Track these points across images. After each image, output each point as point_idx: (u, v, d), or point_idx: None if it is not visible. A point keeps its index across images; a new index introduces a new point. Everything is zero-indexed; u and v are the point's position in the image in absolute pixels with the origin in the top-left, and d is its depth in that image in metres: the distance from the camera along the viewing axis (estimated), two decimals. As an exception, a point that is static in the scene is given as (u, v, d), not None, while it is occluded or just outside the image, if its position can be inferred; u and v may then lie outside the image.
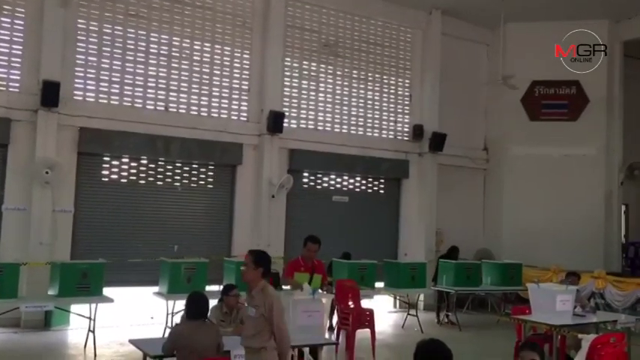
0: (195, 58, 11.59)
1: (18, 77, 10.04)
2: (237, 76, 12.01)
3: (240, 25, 12.03)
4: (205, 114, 11.67)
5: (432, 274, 12.08)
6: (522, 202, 14.24)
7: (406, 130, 14.05)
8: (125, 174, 10.96)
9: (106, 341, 8.60)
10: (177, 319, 8.47)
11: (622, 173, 14.38)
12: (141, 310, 10.30)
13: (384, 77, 13.84)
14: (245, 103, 12.05)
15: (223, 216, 11.82)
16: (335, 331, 9.36)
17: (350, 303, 9.31)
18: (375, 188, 13.83)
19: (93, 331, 8.26)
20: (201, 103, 11.63)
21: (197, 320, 5.32)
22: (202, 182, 11.71)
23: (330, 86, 13.11)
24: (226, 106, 11.89)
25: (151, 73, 11.15)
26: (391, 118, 13.91)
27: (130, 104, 10.96)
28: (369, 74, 13.62)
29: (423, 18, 13.93)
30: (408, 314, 11.28)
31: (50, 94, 9.70)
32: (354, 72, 13.41)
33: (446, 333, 10.42)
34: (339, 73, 13.21)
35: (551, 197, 14.00)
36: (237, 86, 12.00)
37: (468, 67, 14.91)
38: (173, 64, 11.37)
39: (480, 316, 12.67)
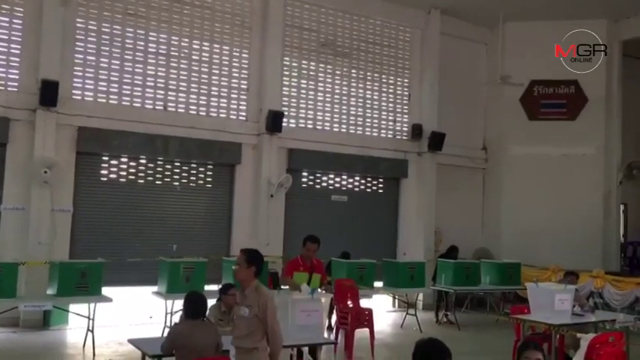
0: (194, 57, 11.58)
1: (17, 76, 10.02)
2: (236, 75, 12.01)
3: (239, 25, 12.03)
4: (204, 113, 11.67)
5: (432, 273, 12.09)
6: (521, 201, 14.25)
7: (405, 129, 14.05)
8: (124, 173, 10.95)
9: (105, 341, 8.59)
10: (176, 318, 8.47)
11: (621, 173, 14.40)
12: (140, 310, 10.30)
13: (383, 77, 13.84)
14: (244, 103, 12.04)
15: (222, 215, 11.81)
16: (334, 331, 9.37)
17: (349, 302, 9.31)
18: (374, 188, 13.83)
19: (92, 331, 8.25)
20: (200, 102, 11.62)
21: (196, 320, 5.32)
22: (201, 182, 11.70)
23: (329, 86, 13.10)
24: (225, 105, 11.89)
25: (149, 72, 11.14)
26: (390, 118, 13.91)
27: (128, 104, 10.96)
28: (368, 74, 13.62)
29: (422, 17, 13.93)
30: (407, 314, 11.28)
31: (49, 94, 9.69)
32: (353, 71, 13.41)
33: (445, 332, 10.44)
34: (338, 72, 13.21)
35: (550, 197, 14.00)
36: (236, 86, 12.00)
37: (467, 66, 14.91)
38: (172, 64, 11.36)
39: (478, 315, 12.67)
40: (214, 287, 8.84)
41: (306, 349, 6.21)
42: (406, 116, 14.08)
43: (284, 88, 12.44)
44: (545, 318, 7.61)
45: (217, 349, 5.20)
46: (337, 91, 13.20)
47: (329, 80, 13.10)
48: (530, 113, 14.59)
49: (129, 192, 10.94)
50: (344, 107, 13.27)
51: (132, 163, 11.02)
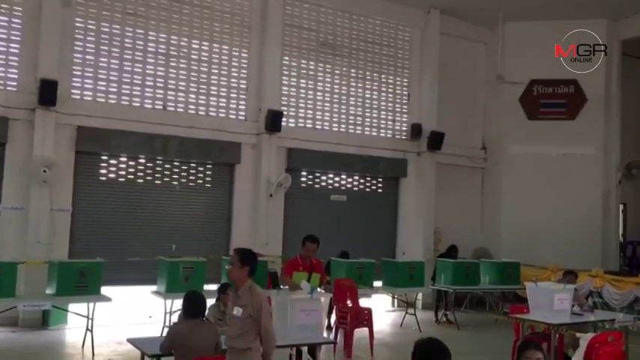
0: (193, 56, 11.58)
1: (15, 76, 10.02)
2: (236, 74, 12.00)
3: (238, 24, 12.02)
4: (203, 113, 11.66)
5: (431, 273, 12.10)
6: (520, 201, 14.25)
7: (404, 129, 14.05)
8: (123, 173, 10.94)
9: (104, 340, 8.59)
10: (175, 318, 8.47)
11: (620, 172, 14.40)
12: (139, 309, 10.29)
13: (383, 76, 13.84)
14: (243, 102, 12.04)
15: (221, 215, 11.81)
16: (333, 330, 9.37)
17: (348, 302, 9.32)
18: (373, 187, 13.82)
19: (91, 330, 8.24)
20: (199, 102, 11.62)
21: (195, 319, 5.31)
22: (200, 181, 11.70)
23: (329, 85, 13.10)
24: (224, 105, 11.88)
25: (148, 71, 11.14)
26: (389, 117, 13.91)
27: (127, 103, 10.95)
28: (368, 73, 13.61)
29: (422, 17, 13.92)
30: (406, 313, 11.28)
31: (48, 93, 9.68)
32: (353, 71, 13.41)
33: (444, 332, 10.44)
34: (337, 72, 13.21)
35: (550, 196, 14.00)
36: (236, 85, 11.99)
37: (467, 66, 14.91)
38: (171, 63, 11.36)
39: (478, 315, 12.69)
40: (213, 287, 8.84)
41: (305, 349, 6.20)
42: (405, 116, 14.07)
43: (283, 88, 12.43)
44: (544, 317, 7.62)
45: (216, 349, 5.20)
46: (336, 90, 13.19)
47: (328, 80, 13.10)
48: (529, 113, 14.59)
49: (128, 191, 10.93)
50: (343, 107, 13.26)
51: (131, 163, 11.01)
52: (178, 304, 7.88)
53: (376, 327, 9.29)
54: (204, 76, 11.68)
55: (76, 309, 8.72)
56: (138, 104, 11.05)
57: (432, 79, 13.92)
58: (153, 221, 11.08)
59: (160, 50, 11.26)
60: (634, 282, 11.41)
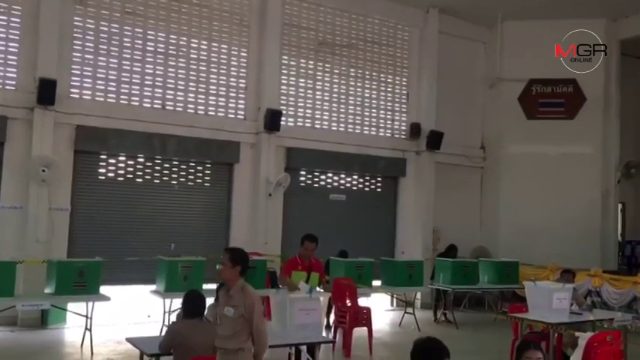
0: (192, 55, 11.57)
1: (14, 75, 10.01)
2: (234, 74, 12.00)
3: (237, 23, 12.02)
4: (202, 112, 11.66)
5: (430, 272, 12.10)
6: (519, 200, 14.26)
7: (403, 128, 14.05)
8: (122, 172, 10.94)
9: (103, 339, 8.58)
10: (174, 317, 8.46)
11: (619, 172, 14.41)
12: (138, 309, 10.29)
13: (382, 75, 13.84)
14: (242, 101, 12.03)
15: (220, 214, 11.81)
16: (332, 330, 9.37)
17: (347, 301, 9.32)
18: (373, 187, 13.82)
19: (90, 330, 8.24)
20: (198, 101, 11.61)
21: (194, 319, 5.31)
22: (199, 180, 11.69)
23: (328, 84, 13.10)
24: (223, 104, 11.88)
25: (147, 71, 11.13)
26: (388, 117, 13.91)
27: (126, 102, 10.94)
28: (367, 73, 13.61)
29: (421, 16, 13.92)
30: (405, 312, 11.28)
31: (47, 92, 9.68)
32: (352, 70, 13.40)
33: (443, 331, 10.45)
34: (336, 71, 13.20)
35: (548, 196, 14.01)
36: (235, 84, 11.99)
37: (466, 65, 14.91)
38: (170, 62, 11.35)
39: (476, 314, 12.69)
40: (212, 286, 8.83)
41: (304, 348, 6.20)
42: (404, 115, 14.08)
43: (282, 87, 12.43)
44: (543, 317, 7.62)
45: (215, 349, 5.19)
46: (335, 90, 13.19)
47: (327, 79, 13.10)
48: (528, 112, 14.60)
49: (127, 191, 10.93)
50: (342, 106, 13.26)
51: (130, 162, 11.01)
52: (177, 303, 7.89)
53: (375, 326, 9.29)
54: (203, 75, 11.67)
55: (75, 308, 8.73)
56: (137, 103, 11.04)
57: (431, 79, 13.92)
58: (152, 220, 11.07)
59: (158, 49, 11.25)
60: (632, 281, 11.42)
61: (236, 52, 12.00)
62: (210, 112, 11.72)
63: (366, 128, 13.59)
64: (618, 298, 11.39)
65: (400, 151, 13.84)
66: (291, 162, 12.34)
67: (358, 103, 13.49)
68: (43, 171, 9.56)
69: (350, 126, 13.39)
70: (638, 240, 16.28)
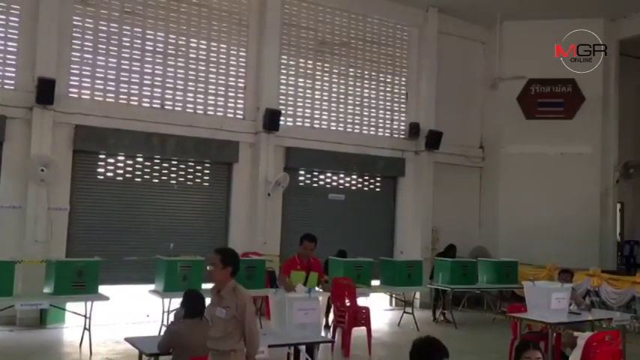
0: (191, 55, 11.57)
1: (13, 74, 10.00)
2: (234, 73, 12.00)
3: (236, 23, 12.01)
4: (201, 112, 11.65)
5: (429, 272, 12.11)
6: (518, 200, 14.26)
7: (402, 128, 14.06)
8: (121, 172, 10.93)
9: (102, 339, 8.58)
10: (172, 317, 8.45)
11: (617, 172, 14.40)
12: (137, 308, 10.29)
13: (381, 75, 13.84)
14: (241, 101, 12.03)
15: (219, 214, 11.80)
16: (331, 329, 9.37)
17: (346, 301, 9.32)
18: (372, 186, 13.83)
19: (88, 329, 8.24)
20: (197, 100, 11.61)
21: (193, 318, 5.31)
22: (198, 180, 11.69)
23: (327, 84, 13.10)
24: (222, 103, 11.87)
25: (146, 70, 11.13)
26: (387, 116, 13.91)
27: (125, 102, 10.94)
28: (366, 72, 13.61)
29: (420, 16, 13.92)
30: (404, 312, 11.28)
31: (45, 92, 9.67)
32: (351, 70, 13.40)
33: (442, 331, 10.45)
34: (335, 71, 13.21)
35: (547, 195, 14.02)
36: (234, 84, 11.98)
37: (465, 65, 14.92)
38: (169, 62, 11.35)
39: (475, 313, 12.70)
40: (211, 286, 8.82)
41: (303, 348, 6.20)
42: (403, 115, 14.08)
43: (281, 87, 12.43)
44: (542, 316, 7.63)
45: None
46: (335, 89, 13.19)
47: (326, 79, 13.10)
48: (527, 112, 14.60)
49: (126, 190, 10.92)
50: (341, 106, 13.26)
51: (129, 162, 11.00)
52: (176, 303, 7.88)
53: (374, 326, 9.29)
54: (202, 74, 11.67)
55: (74, 308, 8.73)
56: (136, 103, 11.04)
57: (430, 79, 13.93)
58: (151, 220, 11.07)
59: (157, 49, 11.25)
60: (631, 281, 11.42)
61: (235, 52, 12.00)
62: (209, 112, 11.72)
63: (365, 128, 13.59)
64: (617, 297, 11.39)
65: (399, 151, 13.84)
66: (290, 162, 12.34)
67: (357, 102, 13.49)
68: (42, 170, 9.55)
69: (349, 126, 13.39)
70: (636, 240, 16.31)
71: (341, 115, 13.26)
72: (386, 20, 13.82)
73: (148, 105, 11.13)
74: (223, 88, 11.88)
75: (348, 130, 13.36)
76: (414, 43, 14.10)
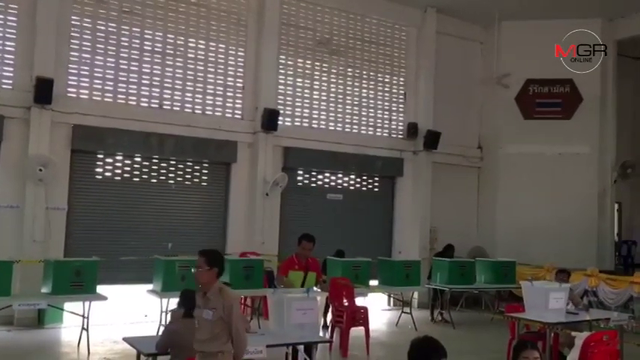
0: (189, 55, 11.56)
1: (11, 74, 9.99)
2: (232, 73, 11.99)
3: (234, 23, 12.01)
4: (200, 111, 11.65)
5: (427, 272, 12.12)
6: (516, 200, 14.28)
7: (401, 128, 14.06)
8: (119, 171, 10.93)
9: (100, 339, 8.57)
10: (170, 316, 8.45)
11: (615, 172, 14.42)
12: (135, 308, 10.27)
13: (379, 75, 13.85)
14: (239, 101, 12.03)
15: (217, 214, 11.80)
16: (329, 329, 9.37)
17: (344, 301, 9.32)
18: (370, 186, 13.84)
19: (86, 329, 8.23)
20: (196, 100, 11.60)
21: (191, 318, 5.30)
22: (197, 180, 11.69)
23: (325, 84, 13.10)
24: (221, 103, 11.87)
25: (145, 70, 11.12)
26: (386, 116, 13.92)
27: (124, 101, 10.93)
28: (364, 72, 13.61)
29: (418, 16, 13.93)
30: (402, 312, 11.29)
31: (43, 91, 9.66)
32: (349, 70, 13.40)
33: (440, 331, 10.47)
34: (333, 71, 13.21)
35: (545, 195, 14.03)
36: (232, 84, 11.98)
37: (463, 65, 14.93)
38: (167, 62, 11.34)
39: (473, 313, 12.71)
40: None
41: (301, 348, 6.20)
42: (402, 115, 14.09)
43: (280, 87, 12.43)
44: (539, 316, 7.64)
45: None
46: (333, 89, 13.19)
47: (325, 79, 13.10)
48: (525, 112, 14.62)
49: (124, 190, 10.91)
50: (340, 106, 13.26)
51: (127, 162, 11.00)
52: (174, 303, 7.87)
53: (372, 326, 9.30)
54: (201, 74, 11.66)
55: (72, 308, 8.71)
56: (134, 103, 11.03)
57: (429, 79, 13.94)
58: (149, 220, 11.07)
59: (156, 49, 11.24)
60: (629, 281, 11.45)
61: (234, 52, 11.99)
62: (207, 112, 11.72)
63: (363, 128, 13.60)
64: (614, 297, 11.41)
65: (397, 151, 13.85)
66: (288, 161, 12.34)
67: (356, 102, 13.49)
68: (40, 170, 9.54)
69: (347, 126, 13.39)
70: (634, 240, 16.34)
71: (339, 115, 13.26)
72: (384, 20, 13.82)
73: (146, 105, 11.13)
74: (222, 88, 11.88)
75: (347, 130, 13.36)
76: (413, 43, 14.11)
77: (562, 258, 11.98)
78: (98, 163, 10.78)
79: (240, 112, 12.03)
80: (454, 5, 13.75)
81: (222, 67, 11.89)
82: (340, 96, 13.27)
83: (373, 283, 11.04)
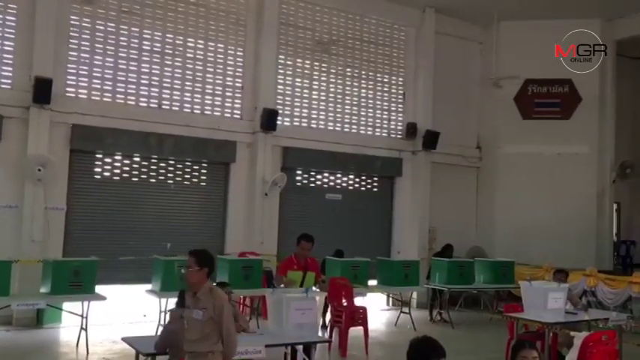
0: (188, 55, 11.56)
1: (10, 74, 9.97)
2: (231, 73, 11.99)
3: (233, 23, 12.01)
4: (199, 111, 11.64)
5: (426, 272, 12.12)
6: (515, 200, 14.29)
7: (399, 128, 14.07)
8: (118, 171, 10.92)
9: (99, 339, 8.57)
10: (169, 316, 8.45)
11: (614, 172, 14.44)
12: (133, 308, 10.27)
13: (378, 75, 13.85)
14: (238, 101, 12.02)
15: (216, 214, 11.80)
16: (328, 329, 9.38)
17: (343, 301, 9.32)
18: (369, 186, 13.84)
19: (85, 329, 8.23)
20: (195, 100, 11.60)
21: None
22: (195, 180, 11.69)
23: (324, 84, 13.10)
24: (220, 103, 11.87)
25: (144, 70, 11.11)
26: (385, 116, 13.92)
27: (122, 101, 10.92)
28: (363, 72, 13.62)
29: (417, 16, 13.93)
30: (401, 312, 11.30)
31: (42, 91, 9.65)
32: (348, 70, 13.41)
33: (438, 331, 10.47)
34: (332, 71, 13.21)
35: (544, 195, 14.04)
36: (231, 84, 11.98)
37: (462, 65, 14.93)
38: (166, 61, 11.33)
39: (472, 313, 12.71)
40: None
41: (300, 348, 6.20)
42: (401, 115, 14.09)
43: (279, 87, 12.42)
44: (538, 316, 7.64)
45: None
46: (332, 89, 13.19)
47: (324, 79, 13.10)
48: (524, 112, 14.62)
49: (123, 190, 10.90)
50: (339, 106, 13.27)
51: (126, 161, 10.99)
52: (173, 303, 7.86)
53: (371, 326, 9.30)
54: (200, 74, 11.66)
55: (71, 308, 8.70)
56: (133, 102, 11.02)
57: (427, 79, 13.94)
58: (148, 220, 11.06)
59: (155, 48, 11.23)
60: (627, 281, 11.46)
61: (233, 52, 11.99)
62: (206, 112, 11.71)
63: (362, 128, 13.60)
64: (613, 297, 11.42)
65: (396, 151, 13.85)
66: (287, 161, 12.34)
67: (354, 102, 13.49)
68: (39, 170, 9.53)
69: (346, 126, 13.39)
70: (632, 240, 16.35)
71: (338, 115, 13.26)
72: (383, 20, 13.83)
73: (145, 105, 11.12)
74: (221, 88, 11.88)
75: (346, 130, 13.36)
76: (411, 43, 14.11)
77: (561, 258, 11.98)
78: (97, 163, 10.77)
79: (239, 112, 12.02)
80: (453, 5, 13.75)
81: (221, 67, 11.88)
82: (339, 96, 13.27)
83: (372, 283, 11.04)
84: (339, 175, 13.32)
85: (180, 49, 11.48)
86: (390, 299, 13.10)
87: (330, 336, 8.87)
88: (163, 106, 11.29)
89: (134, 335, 6.13)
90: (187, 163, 11.55)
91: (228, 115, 11.95)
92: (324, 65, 13.09)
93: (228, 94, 11.95)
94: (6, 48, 9.97)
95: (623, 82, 15.27)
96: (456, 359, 4.15)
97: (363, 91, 13.64)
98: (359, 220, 13.28)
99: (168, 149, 11.12)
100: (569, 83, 14.29)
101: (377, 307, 12.59)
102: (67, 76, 10.39)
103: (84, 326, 8.25)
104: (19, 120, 9.82)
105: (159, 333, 6.17)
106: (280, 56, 12.42)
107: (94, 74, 10.65)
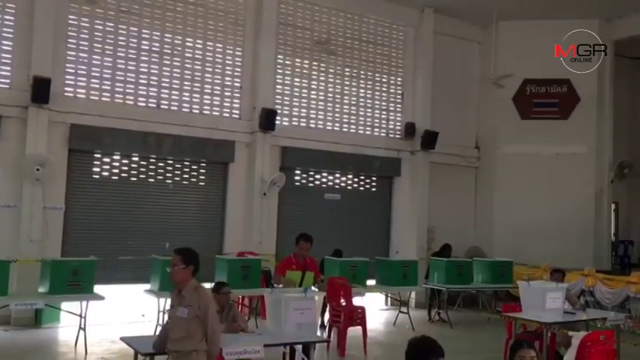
0: (187, 54, 11.55)
1: (8, 73, 9.97)
2: (230, 73, 11.99)
3: (232, 22, 12.00)
4: (197, 111, 11.64)
5: (424, 271, 12.13)
6: (513, 200, 14.30)
7: (398, 128, 14.08)
8: (116, 171, 10.92)
9: (97, 339, 8.57)
10: (167, 316, 8.44)
11: (612, 172, 14.45)
12: (132, 308, 10.27)
13: (377, 75, 13.86)
14: (237, 101, 12.02)
15: (215, 213, 11.80)
16: (327, 329, 9.38)
17: (342, 301, 9.33)
18: (367, 186, 13.85)
19: (84, 329, 8.22)
20: (193, 100, 11.60)
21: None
22: (194, 180, 11.68)
23: (323, 84, 13.10)
24: (218, 103, 11.87)
25: (142, 69, 11.10)
26: (383, 116, 13.93)
27: (121, 101, 10.92)
28: (362, 72, 13.62)
29: (416, 16, 13.94)
30: (400, 312, 11.30)
31: (41, 91, 9.65)
32: (347, 70, 13.41)
33: (437, 330, 10.47)
34: (331, 70, 13.21)
35: (542, 195, 14.06)
36: (230, 83, 11.98)
37: (460, 65, 14.94)
38: (165, 61, 11.33)
39: (470, 313, 12.72)
40: (207, 285, 8.81)
41: (299, 348, 6.21)
42: (399, 115, 14.10)
43: (277, 87, 12.43)
44: (536, 316, 7.65)
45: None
46: (331, 89, 13.20)
47: (322, 79, 13.10)
48: (522, 112, 14.64)
49: (121, 190, 10.90)
50: (337, 106, 13.27)
51: (124, 161, 10.99)
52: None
53: (369, 325, 9.32)
54: (198, 74, 11.66)
55: (69, 307, 8.69)
56: (131, 102, 11.02)
57: (426, 79, 13.95)
58: (146, 220, 11.06)
59: (153, 48, 11.23)
60: (625, 281, 11.48)
61: (231, 52, 11.99)
62: (205, 112, 11.71)
63: (361, 128, 13.61)
64: (611, 297, 11.44)
65: (395, 151, 13.86)
66: (286, 161, 12.35)
67: (353, 102, 13.50)
68: (38, 170, 9.53)
69: (345, 126, 13.40)
70: (630, 240, 16.39)
71: (337, 115, 13.27)
72: (382, 20, 13.83)
73: (143, 104, 11.12)
74: (219, 88, 11.88)
75: (344, 130, 13.37)
76: (410, 43, 14.12)
77: (559, 258, 12.01)
78: (95, 162, 10.77)
79: (237, 112, 12.02)
80: (452, 5, 13.76)
81: (219, 66, 11.88)
82: (338, 96, 13.28)
83: (371, 282, 11.04)
84: (337, 175, 13.33)
85: (179, 48, 11.47)
86: (389, 299, 13.11)
87: (329, 336, 8.88)
88: (162, 106, 11.28)
89: (133, 335, 6.13)
90: (186, 163, 11.55)
91: (227, 114, 11.94)
92: (322, 65, 13.09)
93: (226, 93, 11.95)
94: (4, 47, 9.96)
95: (622, 82, 15.29)
96: (454, 359, 4.15)
97: (362, 90, 13.65)
98: (358, 219, 13.29)
99: (167, 149, 11.12)
100: (568, 83, 14.31)
101: (375, 307, 12.61)
102: (65, 75, 10.38)
103: (82, 326, 8.25)
104: (17, 119, 9.81)
105: (157, 333, 6.16)
106: (279, 56, 12.42)
107: (93, 74, 10.65)
